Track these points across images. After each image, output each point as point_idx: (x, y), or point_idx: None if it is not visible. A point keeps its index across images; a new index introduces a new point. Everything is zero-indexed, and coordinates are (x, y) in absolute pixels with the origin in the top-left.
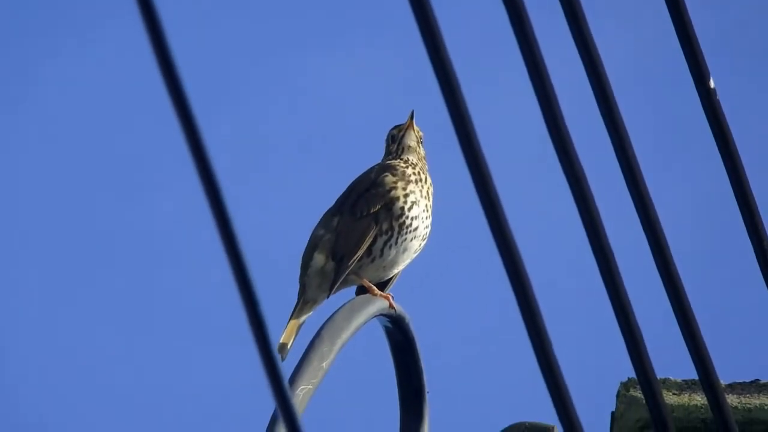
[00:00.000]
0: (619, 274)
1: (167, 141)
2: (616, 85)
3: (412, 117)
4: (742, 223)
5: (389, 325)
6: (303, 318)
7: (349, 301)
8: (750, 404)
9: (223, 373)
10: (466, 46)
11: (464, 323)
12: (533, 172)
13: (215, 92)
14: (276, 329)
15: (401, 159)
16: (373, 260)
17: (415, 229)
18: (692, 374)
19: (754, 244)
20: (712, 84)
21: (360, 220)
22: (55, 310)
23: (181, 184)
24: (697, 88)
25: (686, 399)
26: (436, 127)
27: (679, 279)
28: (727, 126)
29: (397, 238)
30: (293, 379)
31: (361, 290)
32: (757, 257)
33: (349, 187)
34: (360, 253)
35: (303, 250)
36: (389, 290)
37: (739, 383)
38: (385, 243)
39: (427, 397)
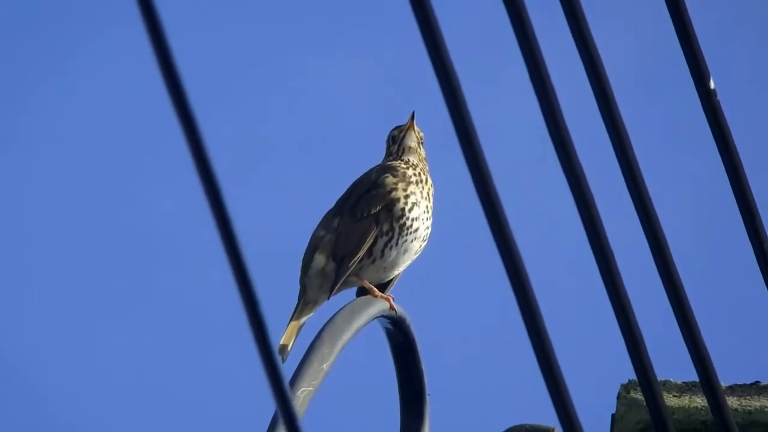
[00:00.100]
0: (619, 275)
1: (167, 141)
2: (616, 84)
3: (412, 118)
4: (743, 225)
5: (390, 326)
6: (303, 319)
7: (349, 302)
8: (750, 406)
9: (223, 375)
10: (466, 45)
11: (465, 325)
12: (533, 173)
13: (215, 92)
14: (276, 330)
15: (402, 160)
16: (373, 261)
17: (416, 230)
18: (693, 376)
19: (754, 245)
20: (712, 85)
21: (360, 221)
22: (54, 310)
23: (182, 184)
24: (697, 89)
25: (687, 401)
26: (436, 128)
27: (680, 280)
28: (728, 127)
29: (398, 240)
30: (294, 381)
31: (362, 291)
32: (757, 258)
33: (349, 188)
34: (360, 254)
35: (303, 251)
36: (390, 291)
37: (740, 385)
38: (386, 244)
39: (428, 398)
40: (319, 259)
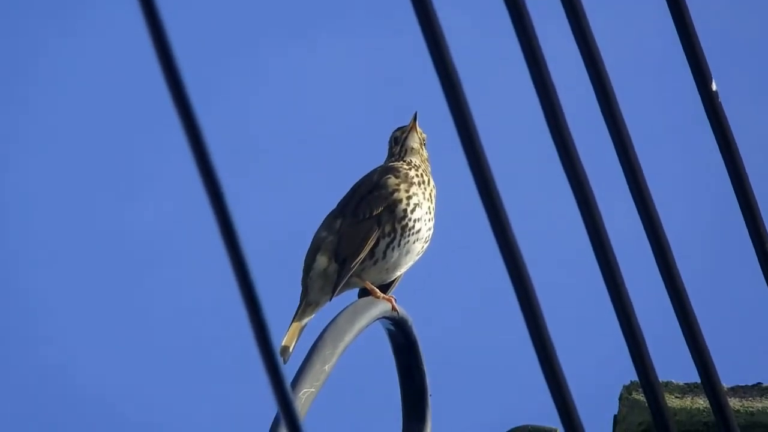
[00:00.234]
0: (620, 276)
1: (167, 141)
2: (616, 84)
3: (415, 119)
4: (744, 225)
5: (392, 327)
6: (305, 321)
7: (351, 303)
8: (752, 407)
9: (225, 376)
10: (466, 45)
11: (466, 325)
12: (535, 173)
13: (216, 92)
14: (278, 332)
15: (404, 161)
16: (375, 262)
17: (418, 231)
18: (694, 377)
19: (756, 247)
20: (714, 87)
21: (363, 222)
22: (53, 310)
23: (182, 185)
24: (699, 91)
25: (688, 402)
26: (439, 129)
27: (682, 282)
28: (730, 130)
29: (400, 241)
30: (295, 382)
31: (364, 293)
32: (759, 260)
33: (351, 189)
34: (363, 255)
35: (305, 253)
36: (392, 293)
37: (742, 386)
38: (388, 245)
39: (430, 399)
40: (321, 261)
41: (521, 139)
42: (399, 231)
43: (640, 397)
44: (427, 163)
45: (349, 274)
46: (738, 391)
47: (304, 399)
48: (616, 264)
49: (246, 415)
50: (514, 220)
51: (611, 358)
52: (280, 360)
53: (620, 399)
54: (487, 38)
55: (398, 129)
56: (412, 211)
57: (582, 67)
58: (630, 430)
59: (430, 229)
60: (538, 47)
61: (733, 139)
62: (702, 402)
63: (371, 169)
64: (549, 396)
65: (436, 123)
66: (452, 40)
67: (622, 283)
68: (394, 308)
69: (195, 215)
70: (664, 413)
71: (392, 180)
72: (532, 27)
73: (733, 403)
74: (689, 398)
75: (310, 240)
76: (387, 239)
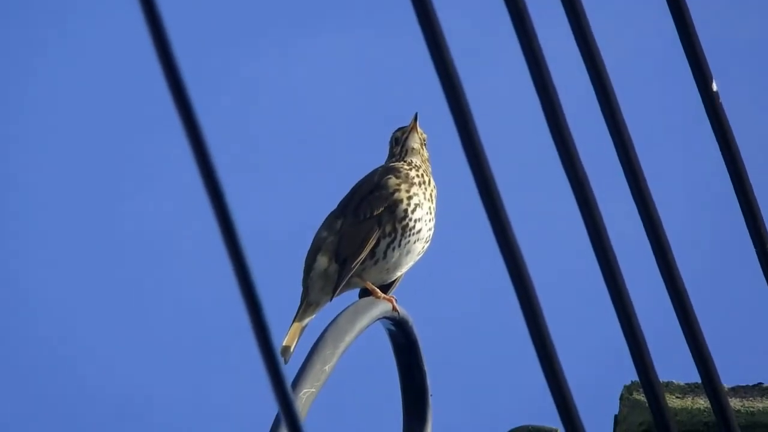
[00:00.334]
0: (621, 276)
1: (168, 141)
2: (616, 84)
3: (415, 119)
4: (745, 227)
5: (392, 327)
6: (306, 321)
7: (352, 303)
8: (753, 408)
9: (226, 376)
10: (467, 45)
11: (467, 325)
12: (535, 174)
13: (216, 91)
14: (279, 332)
15: (405, 161)
16: (376, 263)
17: (419, 231)
18: (695, 377)
19: (757, 247)
20: (715, 87)
21: (363, 222)
22: (55, 308)
23: (182, 184)
24: (700, 92)
25: (689, 402)
26: (439, 129)
27: (682, 282)
28: (730, 130)
29: (401, 241)
30: (296, 383)
31: (365, 293)
32: (759, 261)
33: (352, 189)
34: (363, 255)
35: (306, 253)
36: (393, 293)
37: (742, 387)
38: (389, 245)
39: (431, 399)
40: (322, 261)
41: (521, 139)
42: (400, 231)
43: (641, 397)
44: (427, 164)
45: (350, 275)
46: (739, 391)
47: (304, 399)
48: (617, 264)
49: (247, 415)
50: (514, 220)
51: (612, 358)
52: (281, 360)
53: (621, 399)
54: (487, 38)
55: (399, 129)
56: (413, 211)
57: (582, 68)
58: (631, 430)
59: (430, 229)
60: (539, 47)
61: (734, 139)
62: (703, 402)
63: (371, 169)
64: (550, 396)
65: (437, 123)
66: (452, 40)
67: (623, 283)
68: (394, 308)
69: (196, 215)
70: (664, 413)
71: (393, 180)
72: (533, 27)
73: (734, 403)
74: (690, 398)
75: (311, 240)
76: (387, 239)
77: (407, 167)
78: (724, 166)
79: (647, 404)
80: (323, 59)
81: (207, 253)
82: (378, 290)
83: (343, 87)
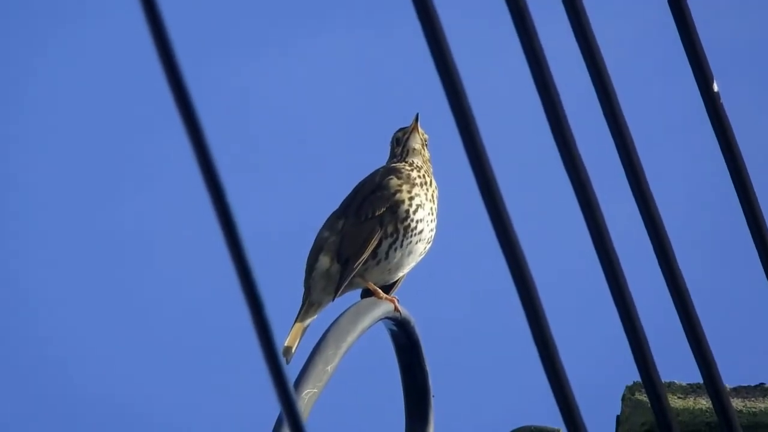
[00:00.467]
0: (623, 276)
1: (169, 140)
2: (617, 85)
3: (416, 120)
4: (747, 227)
5: (394, 328)
6: (308, 321)
7: (354, 304)
8: (755, 408)
9: (227, 377)
10: (468, 45)
11: (469, 326)
12: (537, 174)
13: (216, 91)
14: (281, 332)
15: (406, 162)
16: (378, 263)
17: (420, 232)
18: (697, 378)
19: (759, 247)
20: (716, 87)
21: (365, 222)
22: (54, 308)
23: (183, 184)
24: (701, 92)
25: (691, 403)
26: (441, 129)
27: (684, 282)
28: (731, 130)
29: (402, 241)
30: (298, 383)
31: (367, 293)
32: (761, 261)
33: (354, 189)
34: (365, 255)
35: (308, 253)
36: (394, 293)
37: (744, 387)
38: (390, 246)
39: (433, 400)
40: (324, 261)
41: (523, 139)
42: (401, 232)
43: (643, 397)
44: (428, 164)
45: (352, 275)
46: (741, 391)
47: (306, 399)
48: (619, 264)
49: (249, 416)
50: (516, 220)
51: (614, 358)
52: (283, 360)
53: (623, 399)
54: (488, 38)
55: (400, 130)
56: (415, 211)
57: (583, 68)
58: (633, 430)
59: (432, 229)
60: (540, 47)
61: (735, 140)
62: (705, 402)
63: (373, 169)
64: (552, 396)
65: (438, 124)
66: (453, 40)
67: (625, 283)
68: (396, 309)
69: (196, 215)
70: (666, 414)
71: (394, 181)
72: (533, 27)
73: (736, 403)
74: (692, 399)
75: (312, 240)
76: (389, 240)
77: (408, 168)
78: (725, 166)
79: (649, 404)
80: (323, 59)
81: (207, 253)
82: (380, 291)
83: (343, 87)
